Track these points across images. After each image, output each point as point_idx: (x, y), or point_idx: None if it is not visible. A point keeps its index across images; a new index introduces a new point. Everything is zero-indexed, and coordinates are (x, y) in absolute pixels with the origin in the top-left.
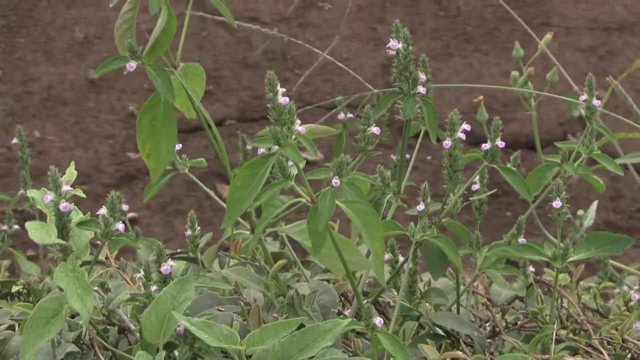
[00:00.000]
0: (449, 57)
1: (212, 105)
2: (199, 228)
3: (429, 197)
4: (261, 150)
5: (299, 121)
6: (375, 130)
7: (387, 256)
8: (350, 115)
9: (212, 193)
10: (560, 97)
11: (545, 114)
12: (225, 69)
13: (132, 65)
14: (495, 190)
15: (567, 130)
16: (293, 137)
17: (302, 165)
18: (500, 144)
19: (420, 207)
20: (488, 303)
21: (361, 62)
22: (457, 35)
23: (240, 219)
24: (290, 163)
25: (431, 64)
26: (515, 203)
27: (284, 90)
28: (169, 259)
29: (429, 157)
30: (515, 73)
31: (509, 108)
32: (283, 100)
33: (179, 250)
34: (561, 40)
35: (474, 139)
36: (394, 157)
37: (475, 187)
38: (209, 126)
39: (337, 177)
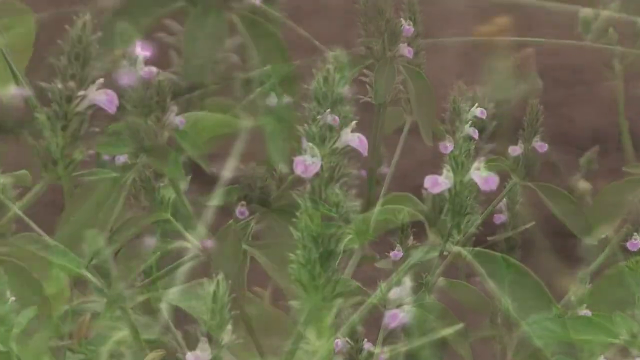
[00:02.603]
0: None
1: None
2: (12, 298)
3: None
4: (121, 159)
5: (175, 108)
6: (330, 119)
7: (341, 343)
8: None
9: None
10: None
11: None
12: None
13: None
14: (533, 223)
15: None
16: (166, 134)
17: (183, 185)
18: (541, 145)
19: (396, 254)
20: None
21: (324, 3)
22: None
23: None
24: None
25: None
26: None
27: (147, 54)
28: None
29: None
30: (586, 12)
31: (583, 77)
32: (146, 72)
33: None
34: None
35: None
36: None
37: (501, 218)
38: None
39: (243, 203)
